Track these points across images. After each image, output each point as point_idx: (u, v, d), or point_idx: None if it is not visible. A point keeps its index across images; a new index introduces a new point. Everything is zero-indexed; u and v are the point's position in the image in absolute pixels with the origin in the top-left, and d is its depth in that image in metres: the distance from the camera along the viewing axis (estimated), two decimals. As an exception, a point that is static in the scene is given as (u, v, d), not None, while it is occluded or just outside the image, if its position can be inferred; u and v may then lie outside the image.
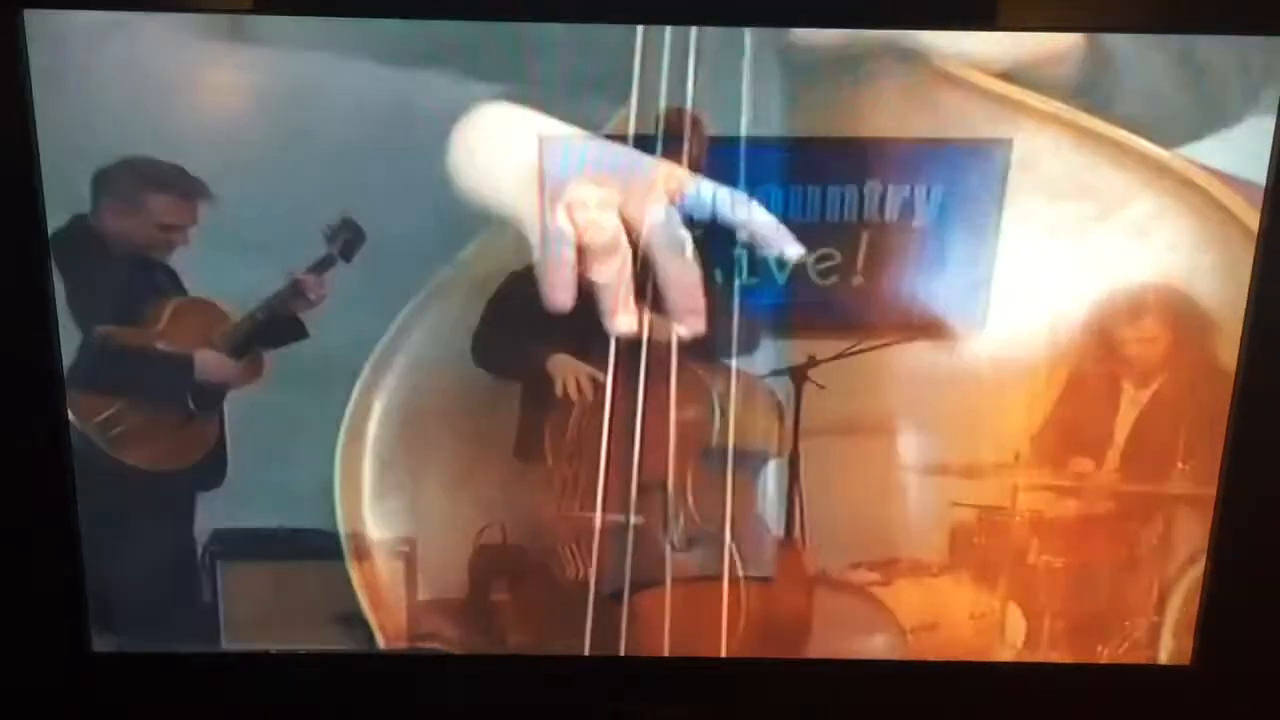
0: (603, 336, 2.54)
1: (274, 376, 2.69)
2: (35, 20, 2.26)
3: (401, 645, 2.72)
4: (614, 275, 2.55)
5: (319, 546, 2.73)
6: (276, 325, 2.57)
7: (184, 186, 2.42)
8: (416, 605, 2.75)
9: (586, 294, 2.60)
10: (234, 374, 2.56)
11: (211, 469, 2.63)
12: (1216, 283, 2.56)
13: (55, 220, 2.41)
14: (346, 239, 2.53)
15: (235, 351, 2.56)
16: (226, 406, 2.61)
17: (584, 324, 2.56)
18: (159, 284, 2.52)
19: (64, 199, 2.40)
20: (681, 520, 2.48)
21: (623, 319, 2.53)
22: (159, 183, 2.41)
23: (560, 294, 2.62)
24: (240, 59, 2.44)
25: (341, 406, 2.80)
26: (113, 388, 2.50)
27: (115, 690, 2.53)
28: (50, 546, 2.45)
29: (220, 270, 2.54)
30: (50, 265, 2.38)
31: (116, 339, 2.48)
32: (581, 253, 2.64)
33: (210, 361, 2.54)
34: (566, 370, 2.53)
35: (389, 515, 2.83)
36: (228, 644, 2.69)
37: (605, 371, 2.53)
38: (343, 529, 2.76)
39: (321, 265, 2.53)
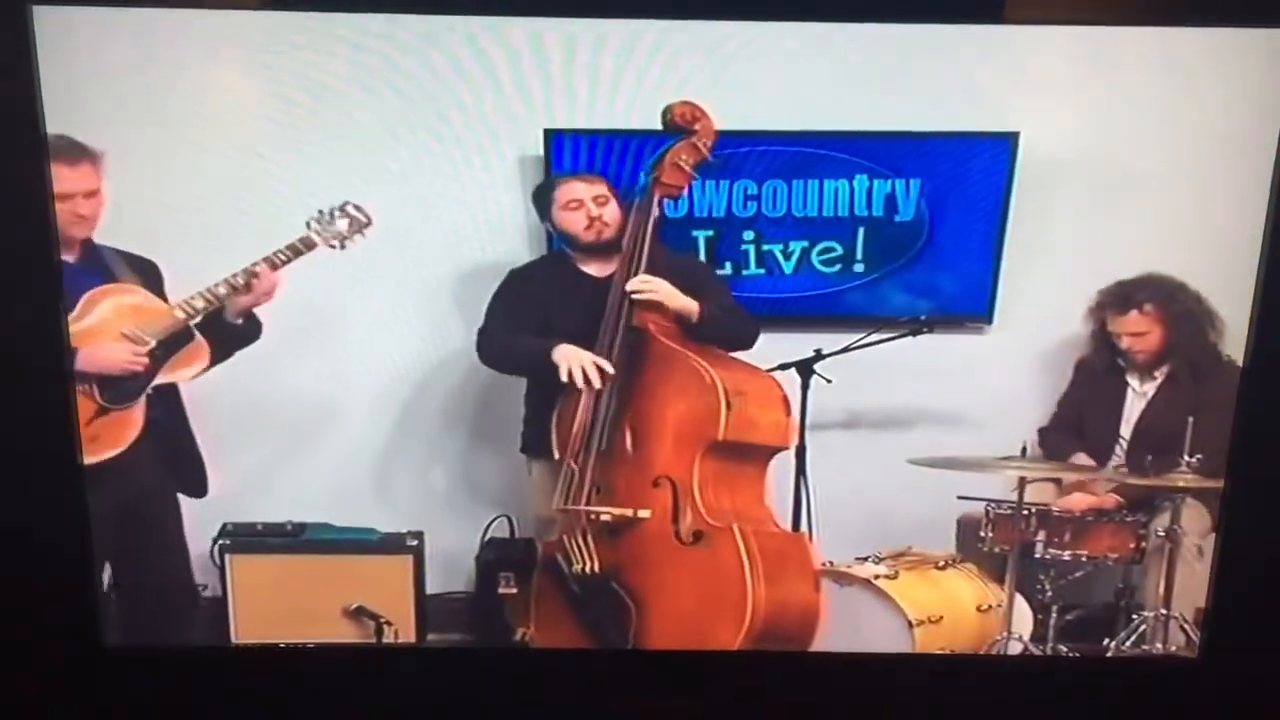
0: (607, 331, 2.54)
1: (283, 375, 2.73)
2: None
3: (410, 639, 2.72)
4: (620, 269, 2.56)
5: (328, 541, 2.74)
6: (222, 322, 2.50)
7: (69, 154, 2.35)
8: (425, 598, 2.76)
9: (589, 290, 2.60)
10: (130, 364, 2.46)
11: (191, 475, 2.61)
12: (1223, 277, 2.57)
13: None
14: (344, 225, 2.50)
15: (168, 341, 2.49)
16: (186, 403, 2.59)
17: (584, 320, 2.57)
18: (91, 274, 2.45)
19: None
20: (689, 514, 2.48)
21: (629, 313, 2.53)
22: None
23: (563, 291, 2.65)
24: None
25: (350, 404, 2.84)
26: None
27: (127, 684, 2.53)
28: (62, 544, 2.45)
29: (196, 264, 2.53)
30: (59, 261, 2.37)
31: None
32: (584, 248, 2.65)
33: (101, 354, 2.45)
34: (573, 358, 2.52)
35: (397, 509, 2.86)
36: (238, 638, 2.69)
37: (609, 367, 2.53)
38: (351, 523, 2.79)
39: (291, 252, 2.48)
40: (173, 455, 2.59)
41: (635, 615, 2.52)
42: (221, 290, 2.47)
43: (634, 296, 2.53)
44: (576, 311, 2.58)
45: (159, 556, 2.65)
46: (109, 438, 2.50)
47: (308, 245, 2.49)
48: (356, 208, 2.50)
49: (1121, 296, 2.70)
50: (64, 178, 2.35)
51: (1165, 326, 2.71)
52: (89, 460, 2.46)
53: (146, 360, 2.48)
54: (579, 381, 2.51)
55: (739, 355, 2.59)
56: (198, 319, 2.49)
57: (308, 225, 2.49)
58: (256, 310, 2.53)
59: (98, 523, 2.48)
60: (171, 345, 2.50)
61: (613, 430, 2.54)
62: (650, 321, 2.54)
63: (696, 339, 2.57)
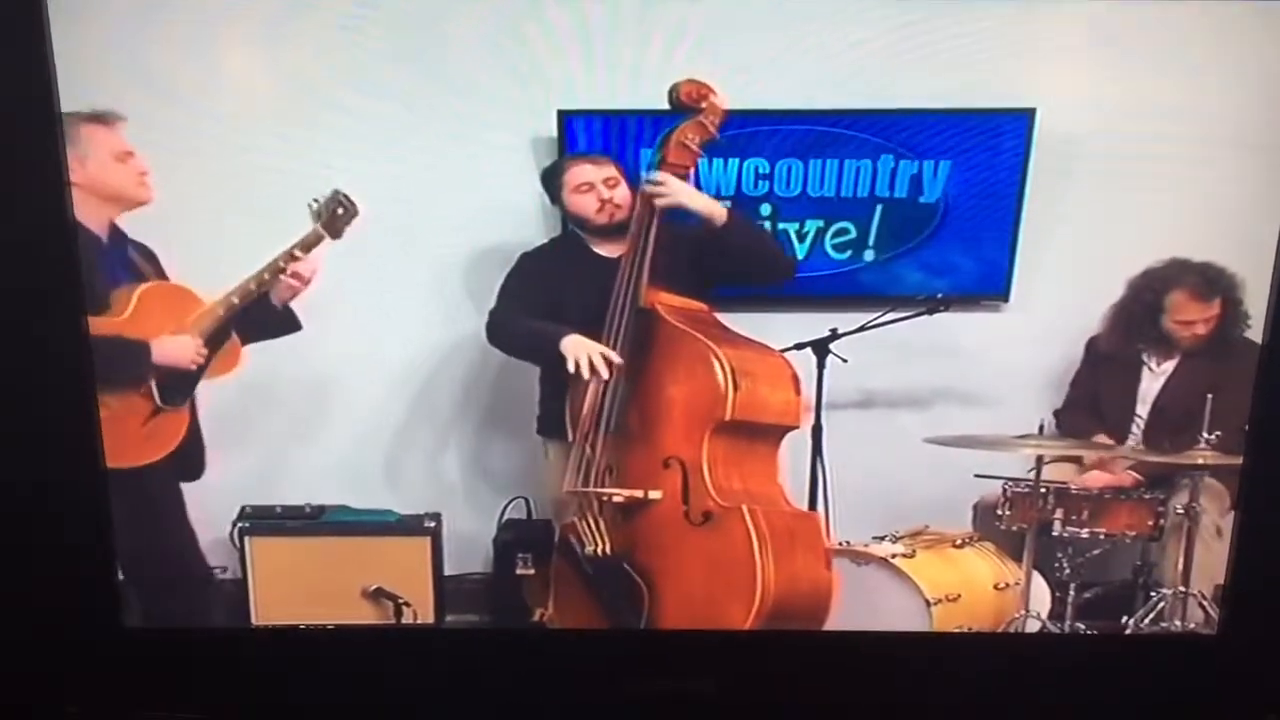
0: (616, 313, 2.53)
1: (300, 359, 2.74)
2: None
3: (429, 620, 2.75)
4: (627, 251, 2.55)
5: (346, 523, 2.77)
6: (263, 313, 2.51)
7: (102, 116, 2.33)
8: (443, 580, 2.78)
9: (600, 271, 2.59)
10: (194, 359, 2.48)
11: (190, 460, 2.60)
12: (1241, 255, 2.54)
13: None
14: (335, 214, 2.46)
15: (211, 339, 2.50)
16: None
17: (597, 301, 2.56)
18: (131, 268, 2.45)
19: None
20: (699, 494, 2.47)
21: (636, 295, 2.53)
22: (89, 118, 2.32)
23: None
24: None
25: (366, 386, 2.86)
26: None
27: (147, 666, 2.56)
28: (82, 527, 2.48)
29: (196, 250, 2.54)
30: (76, 245, 2.36)
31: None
32: (596, 230, 2.64)
33: (172, 348, 2.46)
34: (580, 349, 2.52)
35: (415, 491, 2.88)
36: (258, 620, 2.72)
37: (619, 348, 2.52)
38: (370, 505, 2.81)
39: (306, 244, 2.47)
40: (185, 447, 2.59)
41: (648, 596, 2.52)
42: (252, 286, 2.47)
43: (655, 203, 2.50)
44: (587, 293, 2.57)
45: (173, 544, 2.65)
46: (161, 438, 2.52)
47: (319, 238, 2.47)
48: (344, 195, 2.47)
49: (1140, 277, 2.67)
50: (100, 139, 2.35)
51: (1219, 322, 2.68)
52: (146, 461, 2.49)
53: (195, 354, 2.49)
54: (585, 373, 2.51)
55: (750, 335, 2.57)
56: (235, 315, 2.49)
57: (312, 215, 2.46)
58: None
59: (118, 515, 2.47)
60: (215, 343, 2.51)
61: (623, 412, 2.54)
62: (659, 303, 2.53)
63: (726, 250, 2.55)
